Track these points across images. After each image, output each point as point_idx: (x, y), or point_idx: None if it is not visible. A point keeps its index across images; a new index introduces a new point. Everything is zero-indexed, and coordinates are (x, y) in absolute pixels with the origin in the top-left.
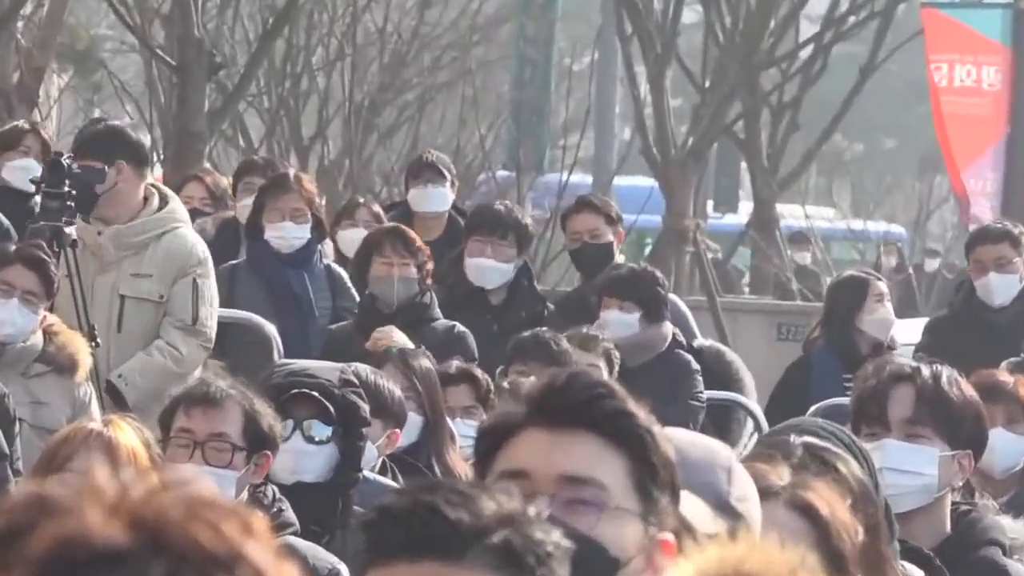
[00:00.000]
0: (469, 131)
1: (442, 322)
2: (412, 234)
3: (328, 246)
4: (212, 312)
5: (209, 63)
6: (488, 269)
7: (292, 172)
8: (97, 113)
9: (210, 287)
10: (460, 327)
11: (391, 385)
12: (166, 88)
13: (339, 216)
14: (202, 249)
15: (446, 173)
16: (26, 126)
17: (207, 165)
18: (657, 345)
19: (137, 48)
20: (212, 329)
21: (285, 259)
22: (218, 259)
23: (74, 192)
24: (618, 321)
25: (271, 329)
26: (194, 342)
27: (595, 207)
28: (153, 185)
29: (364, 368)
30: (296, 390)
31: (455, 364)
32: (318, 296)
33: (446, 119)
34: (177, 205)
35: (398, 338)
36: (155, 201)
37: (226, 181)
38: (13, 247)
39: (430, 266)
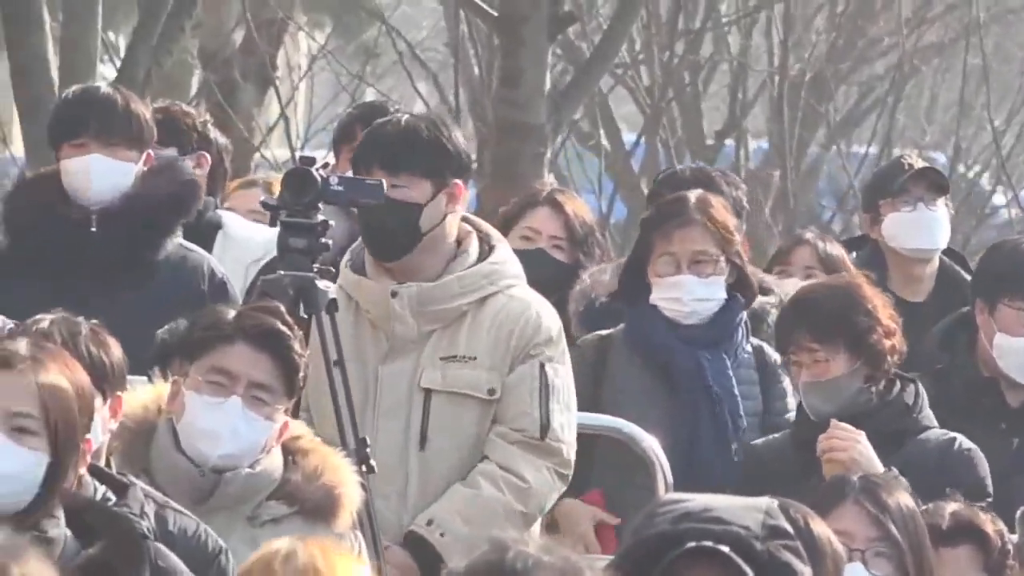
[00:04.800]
0: (975, 122)
1: (936, 434)
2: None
3: None
4: (570, 419)
5: (553, 14)
6: None
7: (694, 194)
8: (370, 95)
9: (566, 379)
10: (965, 443)
11: (829, 535)
12: (482, 55)
13: (772, 260)
14: (551, 320)
15: (944, 188)
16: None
17: (551, 179)
18: None
19: None
20: (570, 445)
21: (689, 335)
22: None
23: (329, 224)
24: None
25: (651, 445)
26: (544, 465)
27: None
28: (466, 219)
29: (799, 508)
30: (693, 543)
31: (951, 509)
32: (745, 396)
33: (937, 103)
34: (507, 252)
35: (865, 452)
36: (473, 245)
37: (587, 208)
38: (232, 314)
39: (899, 341)
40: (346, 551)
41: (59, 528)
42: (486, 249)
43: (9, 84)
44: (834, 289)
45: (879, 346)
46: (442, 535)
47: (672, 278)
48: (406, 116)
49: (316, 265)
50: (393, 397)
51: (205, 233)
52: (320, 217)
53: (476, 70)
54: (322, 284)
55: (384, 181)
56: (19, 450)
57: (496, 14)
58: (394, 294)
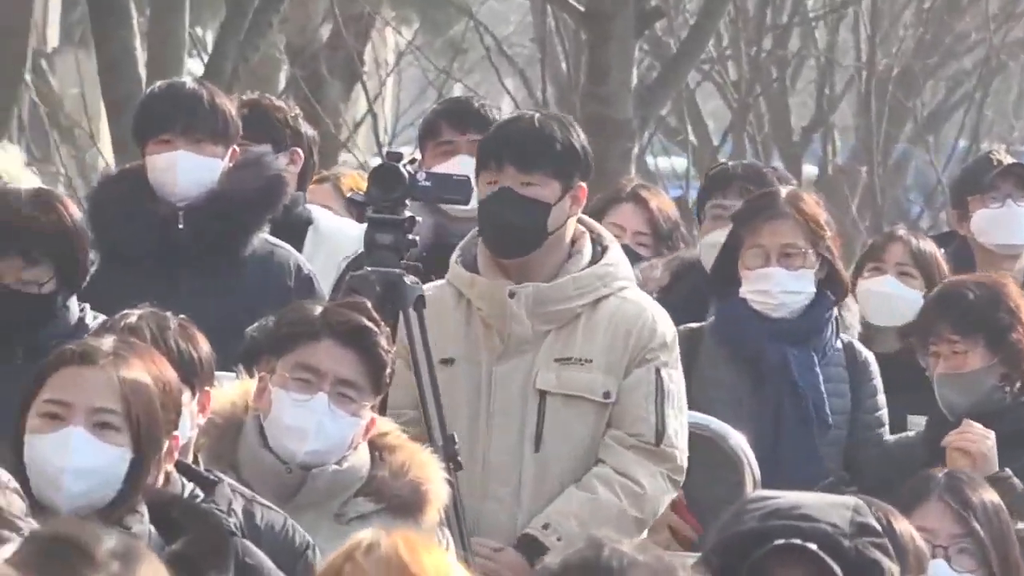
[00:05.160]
0: None
1: None
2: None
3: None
4: (683, 423)
5: (639, 9)
6: None
7: (785, 189)
8: (457, 91)
9: (679, 384)
10: None
11: (912, 532)
12: (570, 50)
13: (864, 257)
14: (665, 325)
15: None
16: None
17: (634, 175)
18: None
19: None
20: (683, 451)
21: (776, 329)
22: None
23: (416, 220)
24: None
25: (738, 442)
26: (658, 471)
27: None
28: (579, 219)
29: (881, 506)
30: (781, 541)
31: None
32: (833, 393)
33: None
34: (619, 254)
35: (993, 449)
36: (586, 246)
37: (670, 203)
38: (319, 310)
39: None
40: (434, 543)
41: (142, 524)
42: (599, 250)
43: (97, 80)
44: (979, 285)
45: (1018, 345)
46: (558, 539)
47: (761, 270)
48: (537, 115)
49: (403, 261)
50: (507, 398)
51: (296, 228)
52: (407, 213)
53: (563, 66)
54: (409, 280)
55: (471, 177)
56: (102, 446)
57: (583, 9)
58: (512, 294)
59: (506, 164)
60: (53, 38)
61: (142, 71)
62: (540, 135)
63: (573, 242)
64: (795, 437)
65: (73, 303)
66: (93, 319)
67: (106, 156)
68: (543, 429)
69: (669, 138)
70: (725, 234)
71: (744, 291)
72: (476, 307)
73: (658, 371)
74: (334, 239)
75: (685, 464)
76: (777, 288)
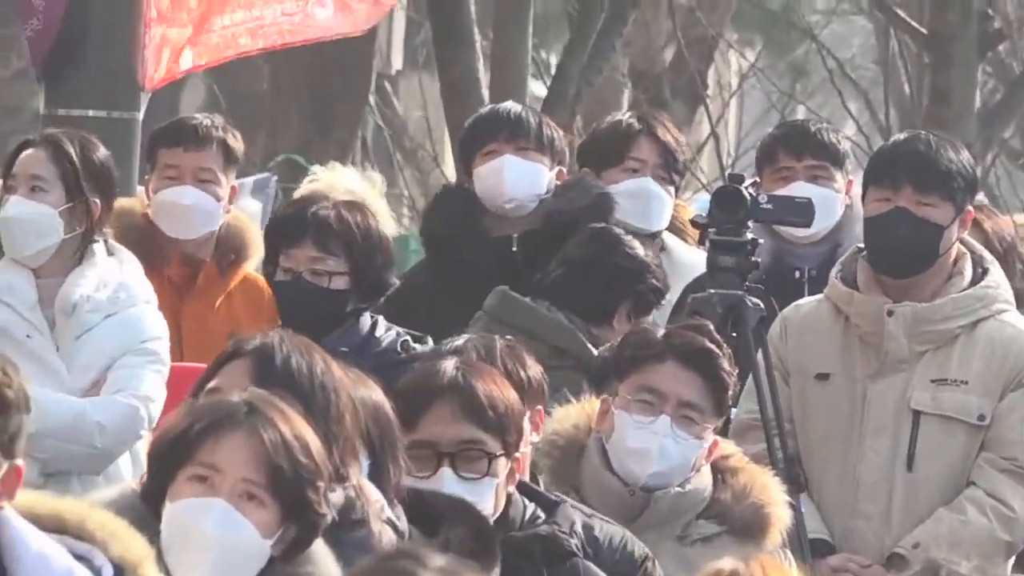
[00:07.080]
0: None
1: None
2: None
3: None
4: None
5: (982, 31)
6: None
7: None
8: (800, 113)
9: None
10: None
11: None
12: (912, 73)
13: None
14: None
15: None
16: (635, 123)
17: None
18: None
19: (865, 8)
20: None
21: None
22: None
23: (758, 242)
24: None
25: None
26: None
27: None
28: (960, 240)
29: None
30: None
31: None
32: None
33: None
34: (999, 276)
35: None
36: (967, 267)
37: (1007, 223)
38: (662, 332)
39: None
40: (788, 570)
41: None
42: (979, 272)
43: (440, 102)
44: None
45: None
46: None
47: None
48: (932, 136)
49: (746, 283)
50: (881, 416)
51: None
52: (749, 235)
53: (906, 88)
54: (751, 302)
55: (812, 200)
56: None
57: (926, 32)
58: (890, 313)
59: (903, 184)
60: (397, 61)
61: (485, 94)
62: (938, 157)
63: (955, 263)
64: None
65: (366, 315)
66: (385, 331)
67: (449, 178)
68: (916, 449)
69: (1012, 160)
70: None
71: None
72: (854, 323)
73: None
74: (689, 268)
75: None
76: None
